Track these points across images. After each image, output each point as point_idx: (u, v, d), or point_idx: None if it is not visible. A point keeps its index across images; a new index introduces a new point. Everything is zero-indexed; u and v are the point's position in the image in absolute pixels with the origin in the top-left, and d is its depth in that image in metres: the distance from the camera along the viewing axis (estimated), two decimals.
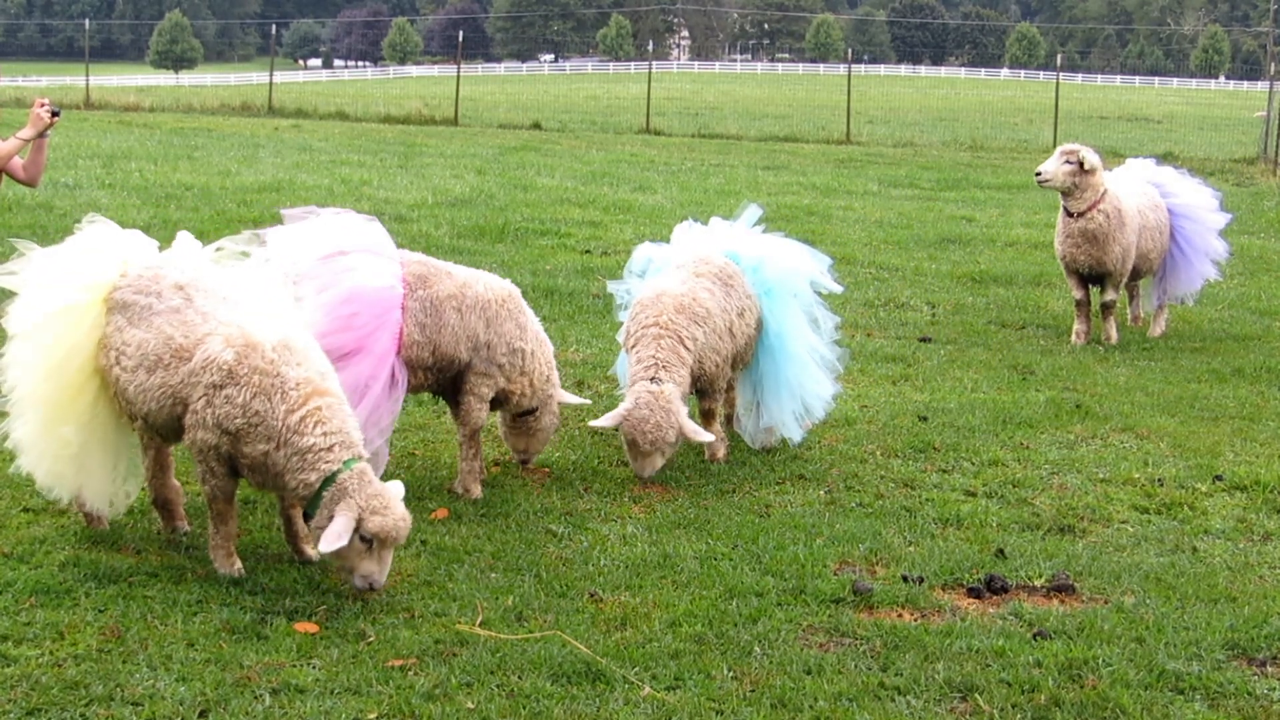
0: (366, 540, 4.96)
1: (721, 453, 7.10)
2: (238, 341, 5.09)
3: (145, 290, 5.34)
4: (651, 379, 6.56)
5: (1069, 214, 10.09)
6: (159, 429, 5.37)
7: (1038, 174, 10.03)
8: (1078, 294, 10.34)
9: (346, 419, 5.13)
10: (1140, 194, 10.44)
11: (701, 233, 7.46)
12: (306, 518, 5.12)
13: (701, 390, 6.98)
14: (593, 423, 6.73)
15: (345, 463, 5.02)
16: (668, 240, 7.62)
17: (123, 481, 5.63)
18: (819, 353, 7.26)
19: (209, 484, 5.24)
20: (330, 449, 5.01)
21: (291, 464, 5.02)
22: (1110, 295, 10.28)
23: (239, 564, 5.33)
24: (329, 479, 4.98)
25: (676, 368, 6.61)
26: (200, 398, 5.09)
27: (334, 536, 4.87)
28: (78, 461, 5.44)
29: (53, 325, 5.36)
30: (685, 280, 6.91)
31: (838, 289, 7.62)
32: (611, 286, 7.88)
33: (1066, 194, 10.04)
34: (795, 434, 7.18)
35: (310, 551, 5.42)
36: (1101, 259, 10.06)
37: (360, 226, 6.46)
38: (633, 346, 6.77)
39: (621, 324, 7.26)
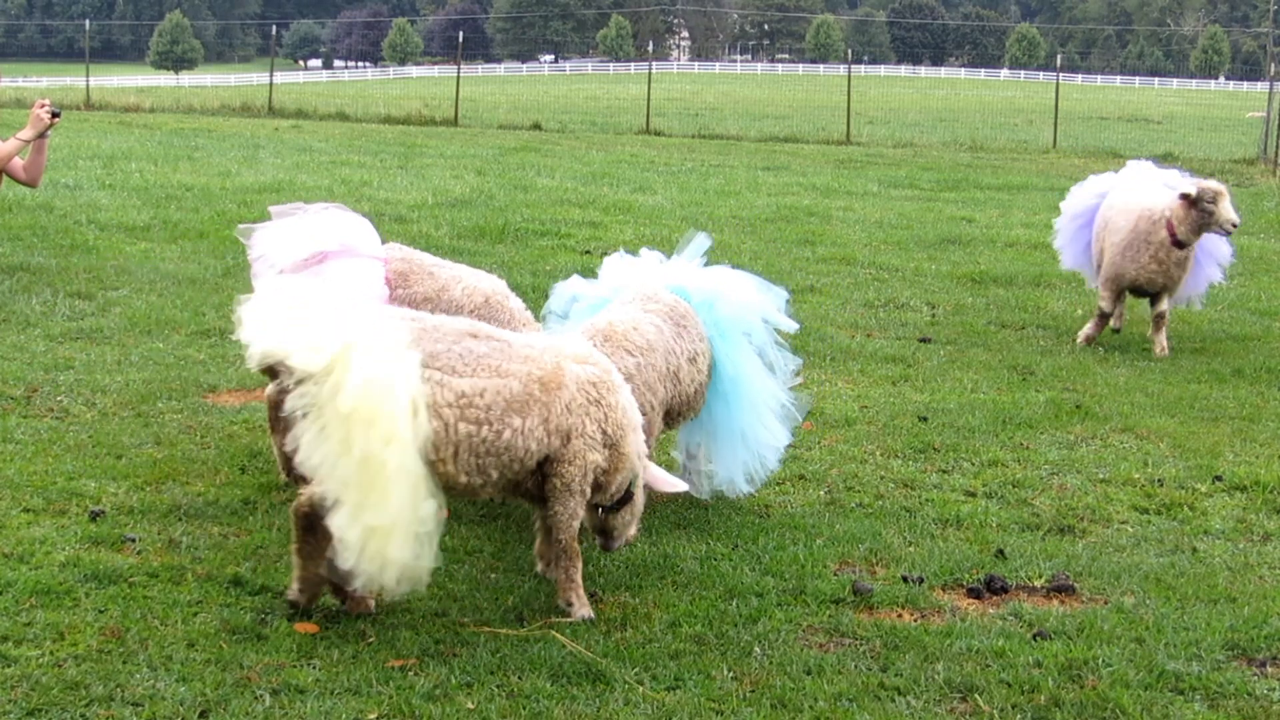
0: None
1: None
2: (575, 355, 5.04)
3: (442, 338, 4.83)
4: None
5: (1179, 244, 9.81)
6: (506, 483, 4.91)
7: (1235, 225, 9.70)
8: (1110, 307, 10.19)
9: None
10: (1160, 198, 10.23)
11: (633, 265, 6.58)
12: (606, 535, 5.30)
13: None
14: None
15: None
16: (659, 248, 7.15)
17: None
18: (775, 399, 6.38)
19: (577, 521, 5.00)
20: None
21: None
22: (1164, 305, 10.11)
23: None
24: None
25: None
26: (585, 418, 4.93)
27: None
28: (433, 537, 4.71)
29: (369, 396, 4.55)
30: (629, 313, 5.99)
31: (793, 326, 6.62)
32: None
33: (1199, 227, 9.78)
34: (743, 487, 6.33)
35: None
36: (1176, 276, 9.97)
37: (345, 224, 6.41)
38: None
39: None
